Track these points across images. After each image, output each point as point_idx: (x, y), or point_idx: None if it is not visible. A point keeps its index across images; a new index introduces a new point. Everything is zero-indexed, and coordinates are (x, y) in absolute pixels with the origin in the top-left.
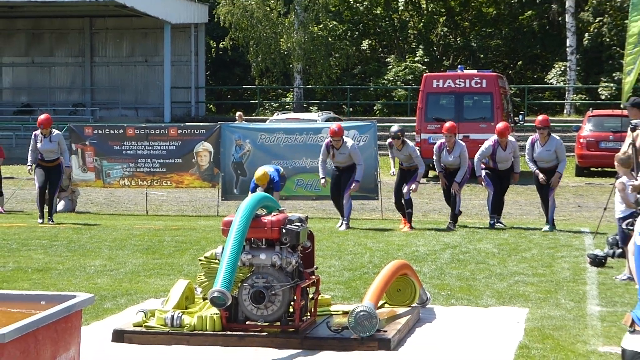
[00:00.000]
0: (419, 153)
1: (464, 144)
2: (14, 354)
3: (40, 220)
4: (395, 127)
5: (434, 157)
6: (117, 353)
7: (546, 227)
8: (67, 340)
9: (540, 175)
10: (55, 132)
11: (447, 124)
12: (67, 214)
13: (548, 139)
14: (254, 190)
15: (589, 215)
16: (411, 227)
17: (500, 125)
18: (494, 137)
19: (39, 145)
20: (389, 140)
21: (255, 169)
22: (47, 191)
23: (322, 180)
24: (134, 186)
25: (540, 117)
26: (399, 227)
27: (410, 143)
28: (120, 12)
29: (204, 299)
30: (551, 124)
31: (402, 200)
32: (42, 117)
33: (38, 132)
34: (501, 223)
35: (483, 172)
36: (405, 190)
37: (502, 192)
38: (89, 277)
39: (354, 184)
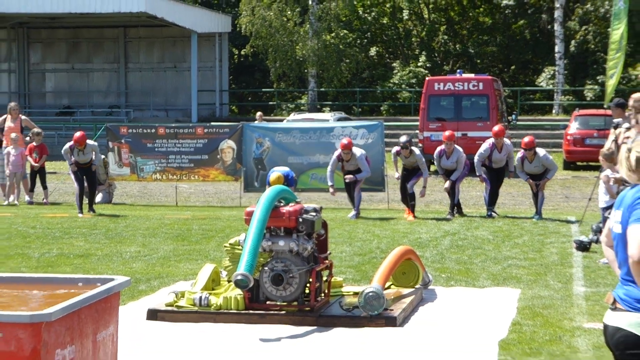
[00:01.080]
0: (424, 159)
1: (461, 150)
2: (59, 330)
3: (80, 215)
4: (404, 138)
5: (435, 161)
6: (151, 330)
7: (535, 217)
8: (106, 318)
9: (533, 185)
10: (89, 143)
11: (447, 133)
12: (104, 205)
13: (535, 157)
14: (269, 185)
15: (575, 205)
16: (414, 217)
17: (497, 127)
18: (491, 140)
19: (75, 157)
20: (397, 148)
21: (274, 164)
22: (86, 188)
23: (331, 190)
24: (165, 180)
25: (526, 139)
26: (404, 216)
27: (417, 151)
28: (152, 23)
29: (229, 281)
30: (541, 122)
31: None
32: (78, 135)
33: (72, 144)
34: (495, 212)
35: (482, 169)
36: (409, 185)
37: (497, 186)
38: (125, 262)
39: (357, 180)
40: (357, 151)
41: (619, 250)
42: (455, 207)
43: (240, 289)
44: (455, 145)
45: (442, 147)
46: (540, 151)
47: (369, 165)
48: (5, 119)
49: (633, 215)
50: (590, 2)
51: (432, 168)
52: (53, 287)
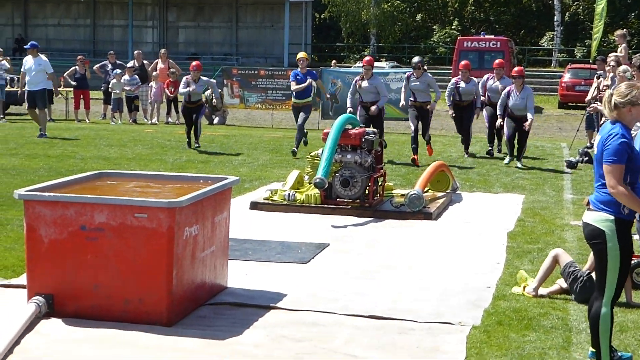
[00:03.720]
0: (434, 80)
1: (475, 79)
2: (188, 214)
3: (187, 146)
4: (416, 58)
5: (449, 91)
6: (252, 216)
7: (518, 164)
8: (222, 207)
9: (499, 121)
10: (203, 78)
11: (463, 62)
12: (220, 126)
13: (522, 88)
14: (295, 77)
15: (566, 134)
16: (431, 151)
17: (497, 61)
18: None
19: (190, 88)
20: (408, 73)
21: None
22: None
23: (349, 110)
24: (263, 109)
25: (516, 68)
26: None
27: (429, 74)
28: None
29: (310, 183)
30: (543, 73)
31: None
32: (194, 63)
33: (189, 76)
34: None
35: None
36: (427, 138)
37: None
38: (234, 167)
39: (375, 107)
40: (377, 76)
41: (595, 167)
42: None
43: (318, 189)
44: (471, 77)
45: (458, 77)
46: (527, 87)
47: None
48: (157, 62)
49: (605, 154)
50: None
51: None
52: (183, 183)
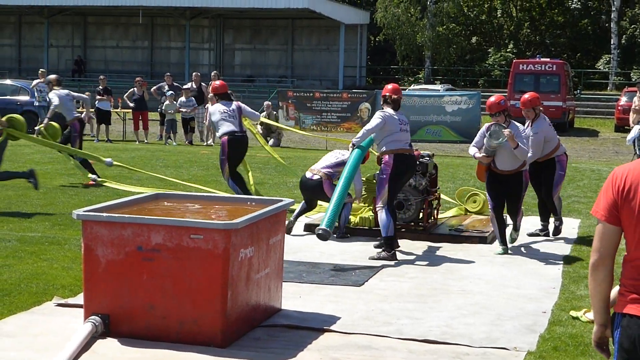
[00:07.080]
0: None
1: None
2: (243, 235)
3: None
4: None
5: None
6: (307, 237)
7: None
8: (276, 228)
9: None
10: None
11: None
12: (275, 147)
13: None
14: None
15: (623, 158)
16: None
17: (525, 96)
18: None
19: None
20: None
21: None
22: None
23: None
24: (319, 130)
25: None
26: None
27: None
28: (312, 16)
29: (364, 205)
30: (599, 96)
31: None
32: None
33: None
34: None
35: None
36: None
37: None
38: (289, 189)
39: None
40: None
41: None
42: None
43: (320, 240)
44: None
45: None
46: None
47: None
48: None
49: None
50: (638, 6)
51: None
52: (238, 204)
